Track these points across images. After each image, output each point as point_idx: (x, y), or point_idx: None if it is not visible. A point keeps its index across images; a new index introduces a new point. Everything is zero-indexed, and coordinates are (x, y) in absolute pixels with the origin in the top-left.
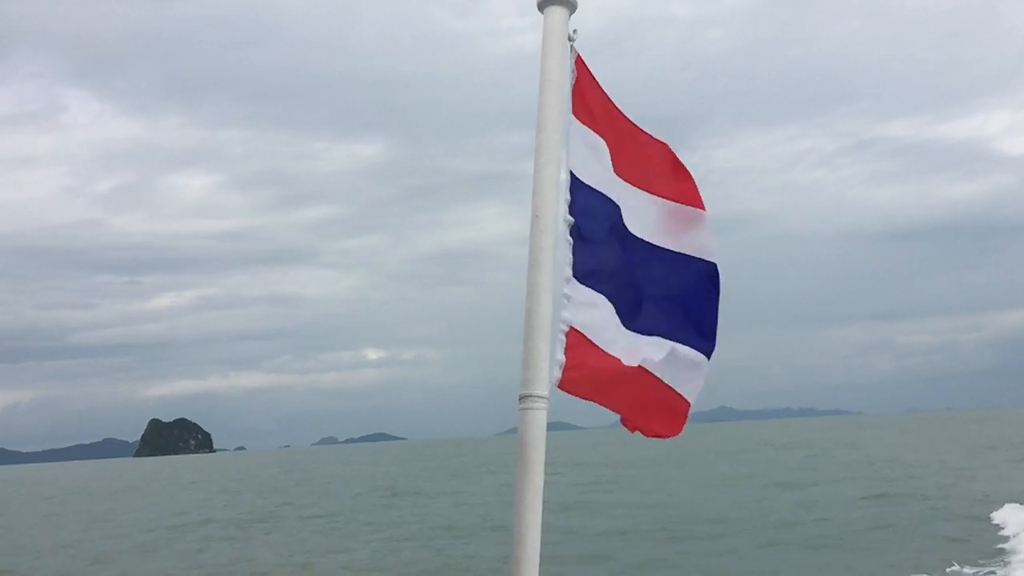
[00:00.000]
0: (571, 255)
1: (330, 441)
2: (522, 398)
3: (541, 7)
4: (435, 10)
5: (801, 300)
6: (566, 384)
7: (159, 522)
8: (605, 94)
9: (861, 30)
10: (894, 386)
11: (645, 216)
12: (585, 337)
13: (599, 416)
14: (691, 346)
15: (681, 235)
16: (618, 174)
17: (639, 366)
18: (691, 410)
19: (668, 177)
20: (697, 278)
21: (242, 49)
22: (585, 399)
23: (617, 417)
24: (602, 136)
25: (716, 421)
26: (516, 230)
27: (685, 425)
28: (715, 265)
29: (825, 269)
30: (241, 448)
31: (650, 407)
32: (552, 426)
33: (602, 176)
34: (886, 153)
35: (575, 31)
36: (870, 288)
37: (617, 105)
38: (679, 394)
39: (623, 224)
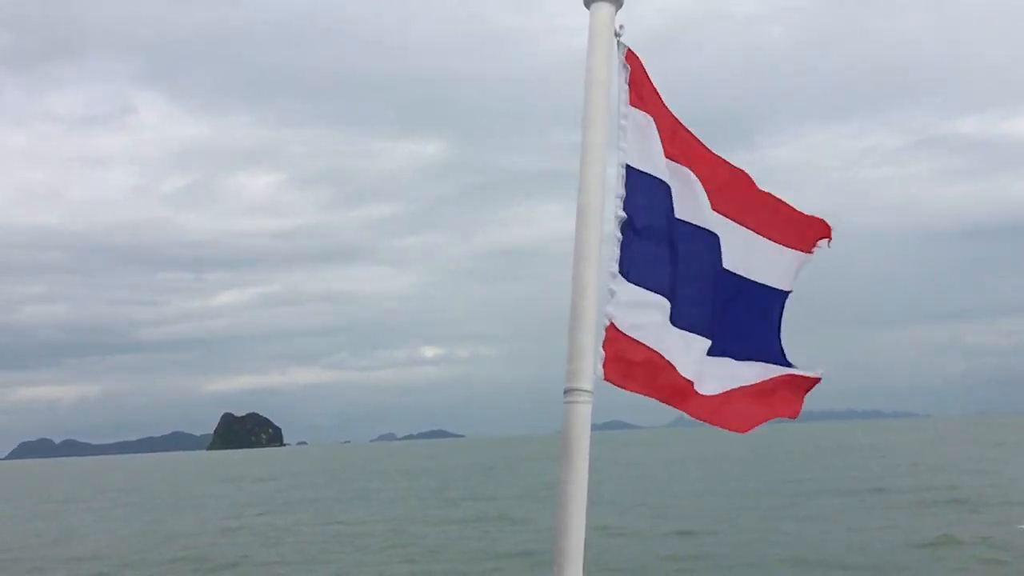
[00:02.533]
0: (619, 251)
1: (389, 437)
2: (566, 392)
3: (587, 3)
4: (492, 8)
5: (866, 300)
6: (610, 376)
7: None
8: (656, 91)
9: (926, 24)
10: (963, 388)
11: (696, 202)
12: (624, 333)
13: (657, 415)
14: (741, 347)
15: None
16: (669, 158)
17: (693, 364)
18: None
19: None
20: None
21: (305, 49)
22: (631, 391)
23: (676, 416)
24: (657, 125)
25: (777, 423)
26: (573, 227)
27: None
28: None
29: (890, 268)
30: (303, 443)
31: (709, 398)
32: (608, 425)
33: (657, 163)
34: (954, 150)
35: (622, 26)
36: (938, 288)
37: (667, 107)
38: (730, 389)
39: (673, 212)
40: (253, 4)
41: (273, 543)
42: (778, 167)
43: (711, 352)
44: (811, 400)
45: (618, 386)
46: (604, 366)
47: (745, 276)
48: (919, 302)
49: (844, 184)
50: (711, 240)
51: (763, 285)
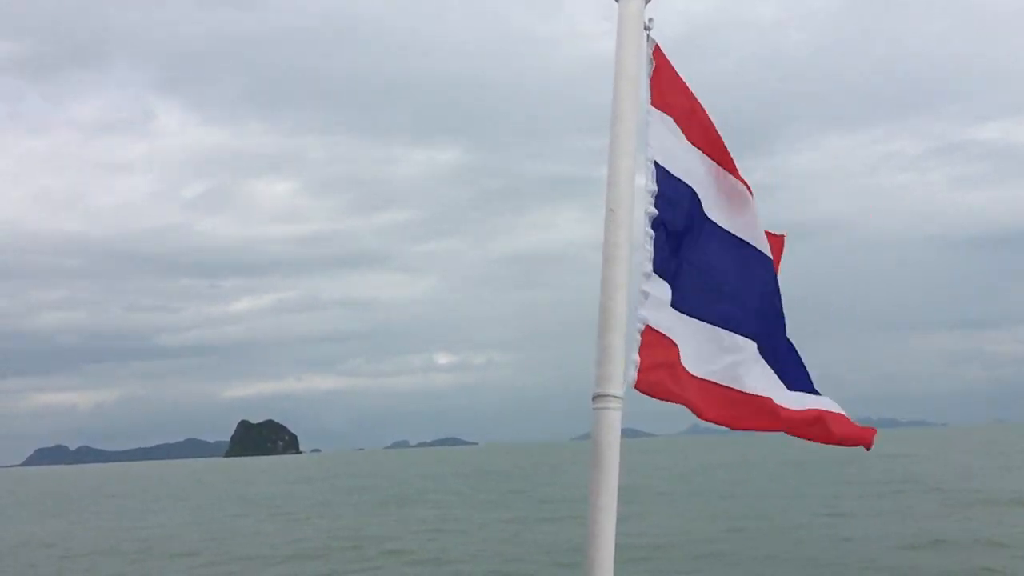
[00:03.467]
0: (651, 249)
1: (402, 444)
2: (596, 397)
3: None
4: (514, 14)
5: (883, 307)
6: (642, 385)
7: None
8: (685, 84)
9: (949, 31)
10: (980, 396)
11: (721, 201)
12: (663, 336)
13: (672, 422)
14: (764, 342)
15: (749, 225)
16: (697, 147)
17: (714, 376)
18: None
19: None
20: (764, 269)
21: (324, 56)
22: (662, 399)
23: (691, 423)
24: (680, 124)
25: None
26: (592, 233)
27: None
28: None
29: (909, 275)
30: (316, 450)
31: (737, 405)
32: (622, 433)
33: (684, 162)
34: (976, 156)
35: (651, 20)
36: (957, 295)
37: (699, 100)
38: (759, 395)
39: (702, 211)
40: (271, 12)
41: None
42: (798, 173)
43: (762, 355)
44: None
45: (649, 395)
46: (639, 374)
47: (744, 239)
48: (937, 309)
49: (863, 190)
50: (739, 244)
51: (755, 248)
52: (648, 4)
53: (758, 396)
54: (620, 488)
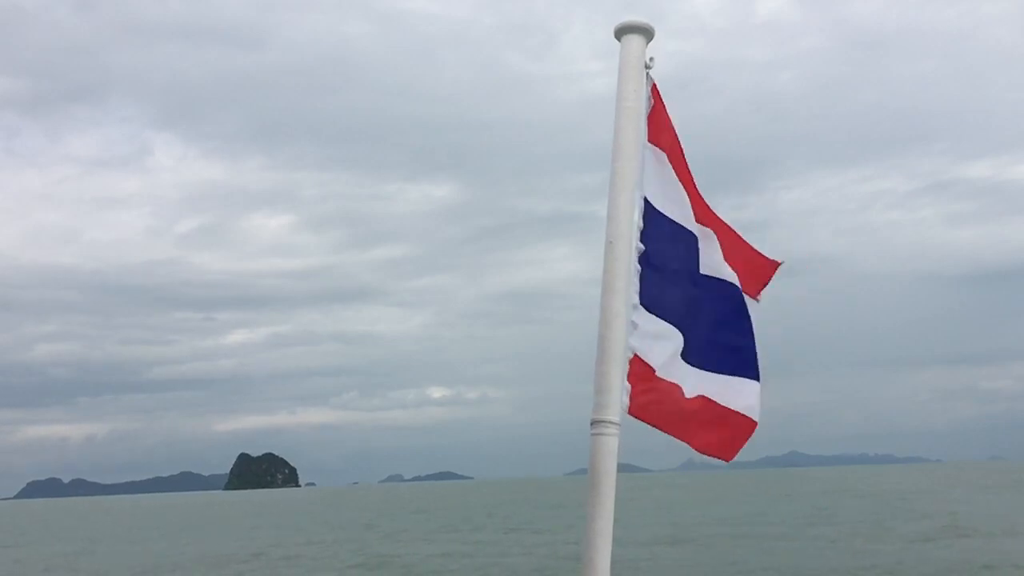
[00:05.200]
0: (638, 282)
1: (397, 479)
2: (594, 423)
3: (618, 35)
4: (510, 55)
5: (877, 343)
6: (635, 410)
7: None
8: (671, 122)
9: (938, 70)
10: (976, 433)
11: (710, 248)
12: (648, 365)
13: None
14: (746, 377)
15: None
16: (681, 182)
17: (698, 396)
18: (758, 455)
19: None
20: (735, 304)
21: (321, 95)
22: (652, 426)
23: (685, 458)
24: (673, 164)
25: (786, 466)
26: (586, 269)
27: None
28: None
29: (902, 312)
30: (311, 484)
31: (714, 429)
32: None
33: (676, 204)
34: (965, 194)
35: (652, 59)
36: (949, 332)
37: (681, 144)
38: (740, 414)
39: (696, 255)
40: (271, 51)
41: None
42: (788, 210)
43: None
44: (823, 444)
45: (641, 421)
46: (630, 399)
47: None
48: (930, 346)
49: (854, 227)
50: (726, 287)
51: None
52: (649, 44)
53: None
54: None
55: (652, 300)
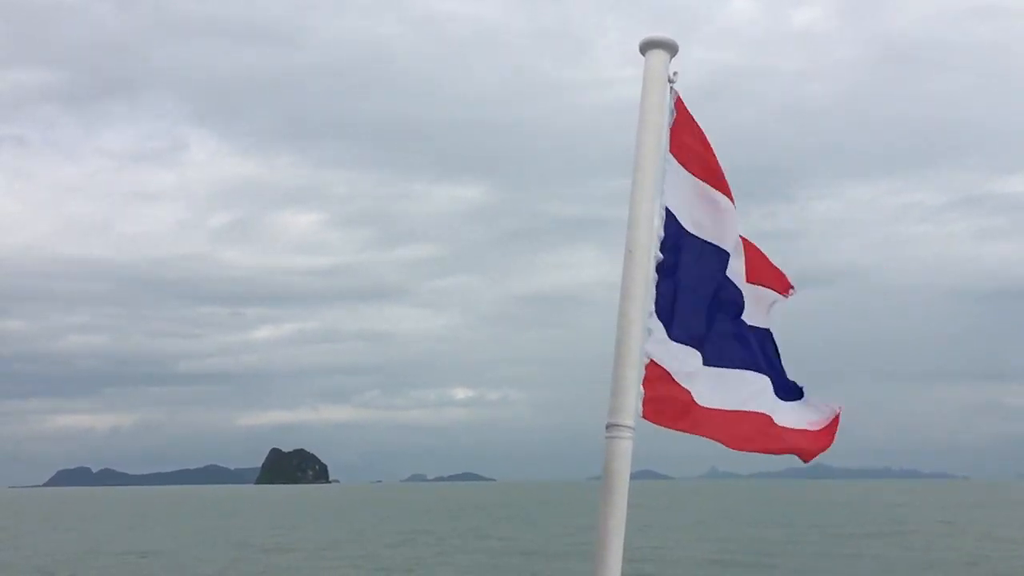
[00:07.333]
0: (655, 291)
1: (419, 478)
2: (609, 427)
3: (643, 50)
4: (541, 60)
5: (904, 357)
6: (649, 414)
7: None
8: (704, 136)
9: (971, 84)
10: (1003, 450)
11: (734, 260)
12: (664, 370)
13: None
14: (757, 372)
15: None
16: (717, 219)
17: (715, 398)
18: (781, 465)
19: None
20: (753, 312)
21: (354, 95)
22: (669, 429)
23: (709, 467)
24: (696, 176)
25: (813, 478)
26: (609, 273)
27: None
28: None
29: (929, 326)
30: (335, 480)
31: (741, 428)
32: (639, 475)
33: (695, 216)
34: (996, 209)
35: (675, 73)
36: (977, 347)
37: (714, 150)
38: (757, 413)
39: (716, 266)
40: (305, 50)
41: None
42: (819, 219)
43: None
44: (847, 456)
45: (656, 424)
46: (644, 404)
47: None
48: (958, 361)
49: (884, 239)
50: (742, 295)
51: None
52: (673, 59)
53: (758, 414)
54: None
55: (666, 310)
